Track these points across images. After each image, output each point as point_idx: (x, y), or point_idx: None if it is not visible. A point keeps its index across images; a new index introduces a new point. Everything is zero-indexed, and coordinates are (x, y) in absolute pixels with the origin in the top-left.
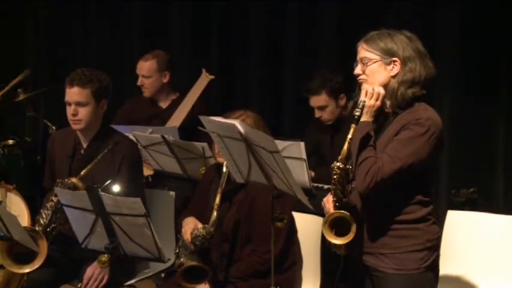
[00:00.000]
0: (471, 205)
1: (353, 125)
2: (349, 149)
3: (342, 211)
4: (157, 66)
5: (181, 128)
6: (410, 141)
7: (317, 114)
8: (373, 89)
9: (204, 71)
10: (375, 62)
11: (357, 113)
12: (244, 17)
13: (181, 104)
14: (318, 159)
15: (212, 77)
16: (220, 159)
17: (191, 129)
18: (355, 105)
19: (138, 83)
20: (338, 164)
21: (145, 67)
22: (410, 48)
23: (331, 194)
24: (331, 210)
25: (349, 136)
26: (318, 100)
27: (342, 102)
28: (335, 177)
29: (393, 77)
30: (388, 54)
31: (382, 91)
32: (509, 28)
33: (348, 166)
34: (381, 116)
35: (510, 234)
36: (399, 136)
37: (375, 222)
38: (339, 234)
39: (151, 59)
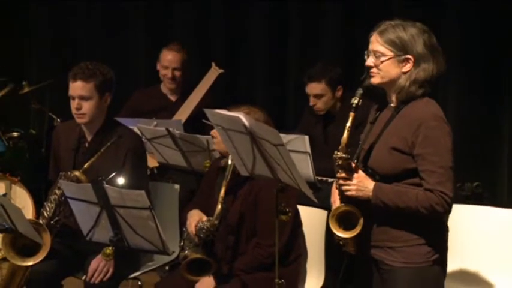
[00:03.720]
0: (476, 199)
1: (351, 113)
2: (348, 137)
3: (349, 205)
4: (187, 59)
5: (189, 120)
6: (438, 148)
7: (311, 102)
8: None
9: (213, 64)
10: (389, 59)
11: (355, 101)
12: (247, 11)
13: (190, 96)
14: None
15: (222, 70)
16: (217, 148)
17: (199, 122)
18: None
19: (169, 75)
20: (339, 153)
21: (178, 58)
22: (423, 42)
23: (336, 186)
24: (337, 202)
25: (348, 124)
26: (316, 87)
27: (338, 94)
28: (337, 167)
29: (404, 73)
30: (402, 51)
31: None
32: None
33: (348, 155)
34: (385, 109)
35: None
36: (422, 150)
37: (383, 215)
38: (346, 228)
39: (181, 50)
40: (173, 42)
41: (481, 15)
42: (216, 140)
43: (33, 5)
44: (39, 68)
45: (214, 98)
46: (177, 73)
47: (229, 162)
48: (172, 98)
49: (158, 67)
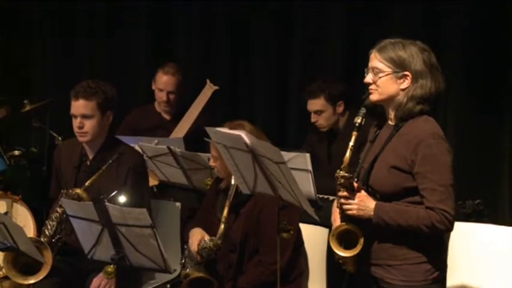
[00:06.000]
0: (477, 217)
1: (354, 132)
2: (351, 156)
3: (350, 224)
4: (182, 80)
5: (185, 138)
6: (438, 166)
7: (313, 118)
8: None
9: (208, 81)
10: (386, 75)
11: (358, 120)
12: (248, 25)
13: (186, 114)
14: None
15: (216, 87)
16: (212, 164)
17: (195, 140)
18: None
19: (164, 98)
20: (341, 172)
21: (173, 82)
22: (422, 61)
23: (336, 204)
24: (337, 220)
25: (351, 144)
26: (315, 104)
27: (340, 109)
28: (339, 186)
29: (402, 89)
30: (400, 67)
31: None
32: None
33: (350, 174)
34: (384, 127)
35: None
36: (422, 168)
37: (383, 233)
38: (347, 246)
39: (177, 73)
40: (169, 63)
41: (483, 28)
42: (217, 169)
43: (36, 21)
44: (41, 85)
45: (210, 115)
46: (172, 96)
47: (233, 182)
48: (167, 116)
49: (153, 87)
